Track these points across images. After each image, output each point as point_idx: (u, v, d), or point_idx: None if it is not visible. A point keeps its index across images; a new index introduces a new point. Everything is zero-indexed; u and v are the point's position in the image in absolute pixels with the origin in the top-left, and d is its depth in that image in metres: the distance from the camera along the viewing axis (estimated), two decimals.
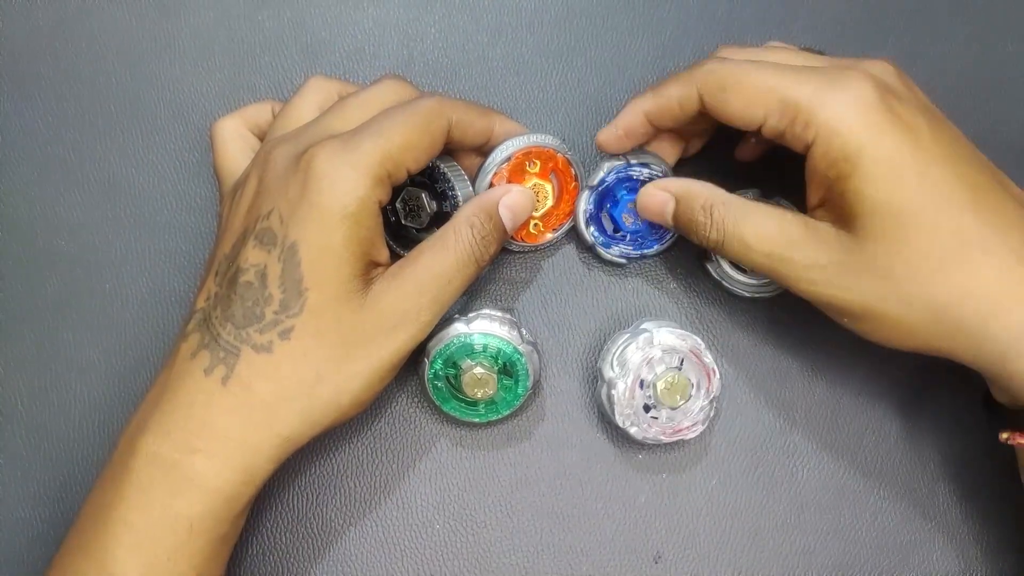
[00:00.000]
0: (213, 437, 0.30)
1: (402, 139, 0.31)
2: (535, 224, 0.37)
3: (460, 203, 0.36)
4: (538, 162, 0.36)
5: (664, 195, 0.35)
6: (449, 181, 0.35)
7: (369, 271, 0.32)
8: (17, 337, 0.38)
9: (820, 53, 0.35)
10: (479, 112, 0.35)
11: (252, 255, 0.31)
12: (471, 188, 0.36)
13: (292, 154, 0.32)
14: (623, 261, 0.38)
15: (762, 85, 0.31)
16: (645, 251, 0.38)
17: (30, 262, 0.38)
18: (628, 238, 0.37)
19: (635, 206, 0.36)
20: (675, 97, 0.33)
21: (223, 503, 0.30)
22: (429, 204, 0.35)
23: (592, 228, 0.37)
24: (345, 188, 0.30)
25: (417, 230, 0.36)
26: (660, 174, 0.36)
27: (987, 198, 0.30)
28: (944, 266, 0.29)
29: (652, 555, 0.36)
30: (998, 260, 0.29)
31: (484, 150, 0.36)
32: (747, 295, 0.38)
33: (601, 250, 0.37)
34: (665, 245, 0.38)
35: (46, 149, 0.39)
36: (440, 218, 0.36)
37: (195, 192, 0.39)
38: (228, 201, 0.34)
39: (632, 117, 0.35)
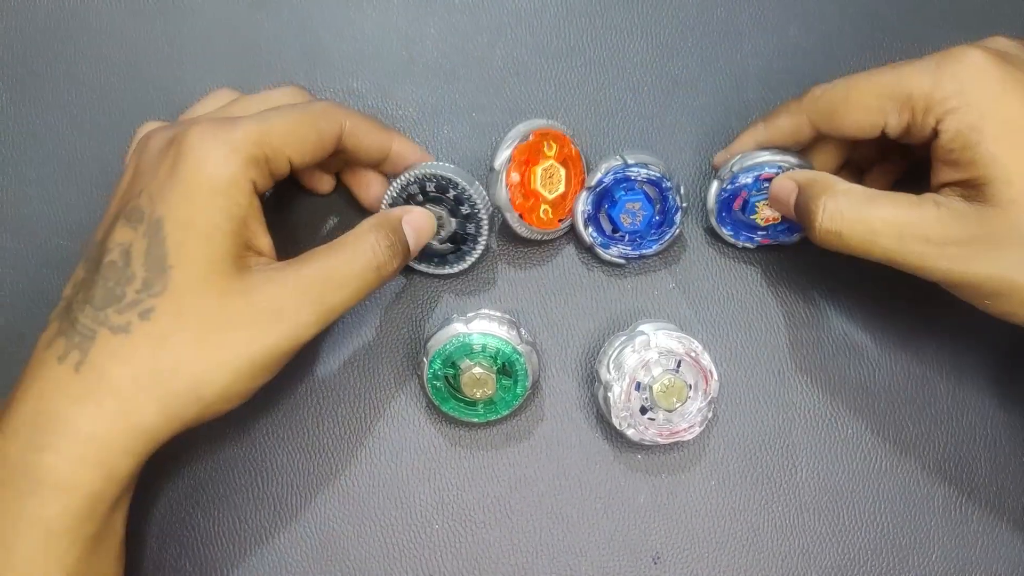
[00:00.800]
0: (63, 432, 0.28)
1: (283, 127, 0.31)
2: (545, 209, 0.37)
3: (485, 225, 0.36)
4: (555, 145, 0.36)
5: (790, 184, 0.34)
6: (475, 203, 0.35)
7: (243, 255, 0.31)
8: (17, 337, 0.38)
9: None
10: (376, 126, 0.35)
11: (119, 234, 0.30)
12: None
13: (167, 136, 0.31)
14: (622, 261, 0.38)
15: (872, 91, 0.31)
16: (644, 251, 0.38)
17: (30, 262, 0.39)
18: (627, 238, 0.37)
19: (634, 206, 0.36)
20: (787, 128, 0.34)
21: (82, 501, 0.28)
22: (449, 222, 0.36)
23: (590, 228, 0.37)
24: (215, 163, 0.29)
25: (440, 250, 0.37)
26: (658, 175, 0.36)
27: None
28: None
29: (651, 555, 0.36)
30: None
31: (384, 170, 0.36)
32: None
33: (600, 251, 0.37)
34: (664, 245, 0.38)
35: (46, 149, 0.40)
36: (462, 238, 0.36)
37: None
38: None
39: (744, 145, 0.36)
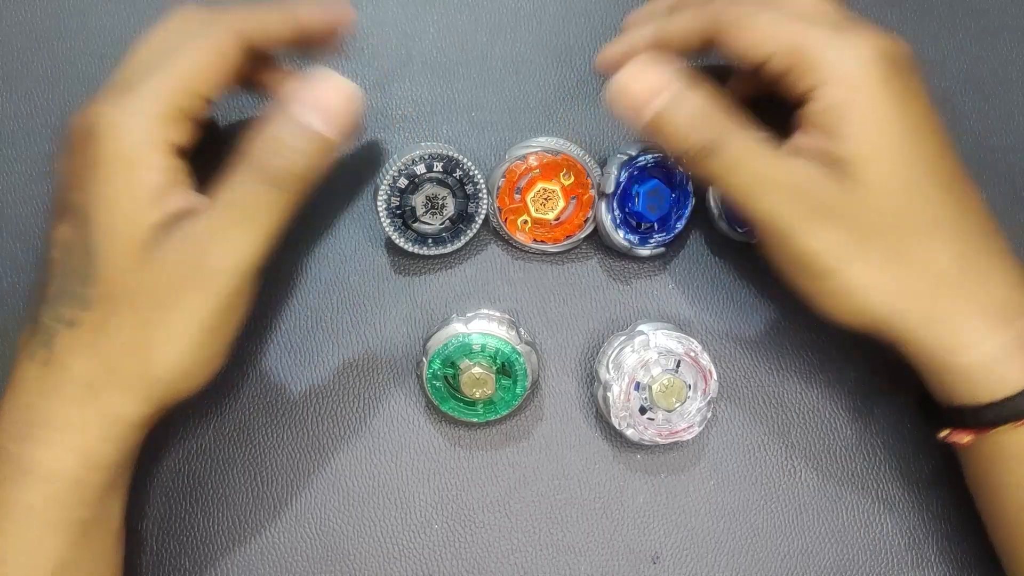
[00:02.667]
0: (40, 422, 0.29)
1: (187, 68, 0.30)
2: (525, 220, 0.37)
3: (485, 205, 0.36)
4: (572, 177, 0.36)
5: (659, 80, 0.30)
6: (477, 182, 0.35)
7: (172, 222, 0.29)
8: (15, 339, 0.38)
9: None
10: (272, 9, 0.33)
11: (59, 231, 0.30)
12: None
13: (78, 122, 0.30)
14: (661, 250, 0.37)
15: (775, 26, 0.31)
16: (677, 231, 0.37)
17: (29, 261, 0.38)
18: (656, 227, 0.37)
19: (654, 193, 0.36)
20: (684, 31, 0.33)
21: (66, 488, 0.29)
22: (450, 202, 0.36)
23: (622, 232, 0.37)
24: (123, 138, 0.28)
25: (437, 230, 0.36)
26: (661, 155, 0.36)
27: (961, 185, 0.31)
28: (914, 237, 0.30)
29: (650, 555, 0.36)
30: (961, 246, 0.30)
31: (300, 44, 0.34)
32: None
33: (639, 250, 0.37)
34: (688, 216, 0.37)
35: (44, 148, 0.39)
36: (464, 218, 0.36)
37: (195, 190, 0.39)
38: None
39: (634, 47, 0.34)
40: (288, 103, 0.29)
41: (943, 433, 0.32)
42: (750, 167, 0.30)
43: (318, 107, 0.29)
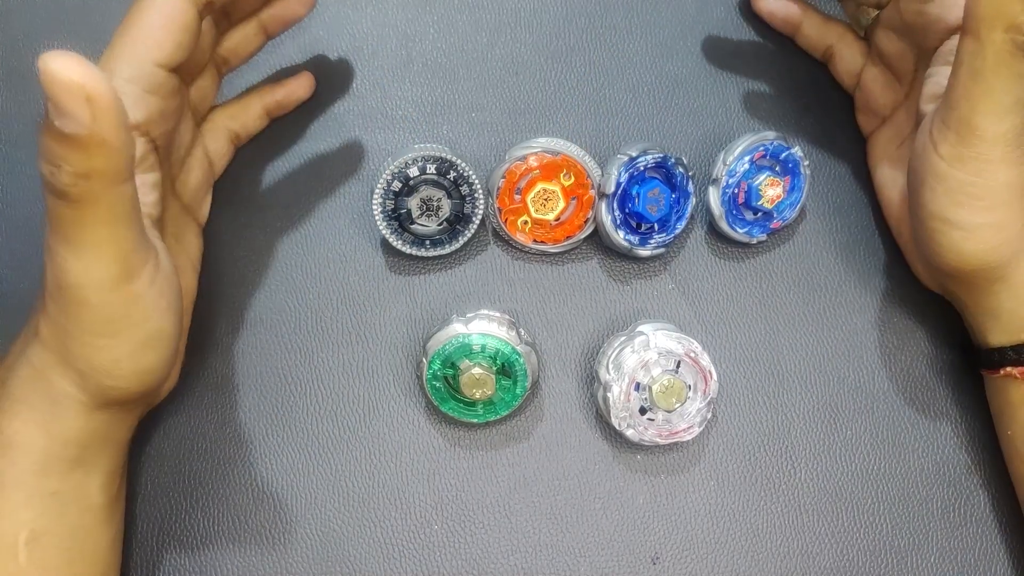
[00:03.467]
0: (7, 396, 0.29)
1: (136, 37, 0.29)
2: (525, 221, 0.37)
3: (481, 205, 0.36)
4: (572, 177, 0.36)
5: None
6: (472, 184, 0.36)
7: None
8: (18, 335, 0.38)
9: None
10: None
11: None
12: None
13: None
14: (662, 250, 0.37)
15: None
16: (677, 231, 0.37)
17: (30, 260, 0.38)
18: (657, 227, 0.37)
19: (654, 193, 0.36)
20: None
21: (33, 457, 0.29)
22: (446, 204, 0.36)
23: (623, 233, 0.37)
24: None
25: (434, 231, 0.37)
26: (660, 155, 0.36)
27: None
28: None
29: (650, 556, 0.36)
30: None
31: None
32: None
33: (639, 250, 0.37)
34: (689, 218, 0.37)
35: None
36: (460, 220, 0.36)
37: None
38: None
39: None
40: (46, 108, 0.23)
41: (1005, 371, 0.34)
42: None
43: (57, 109, 0.23)
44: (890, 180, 0.37)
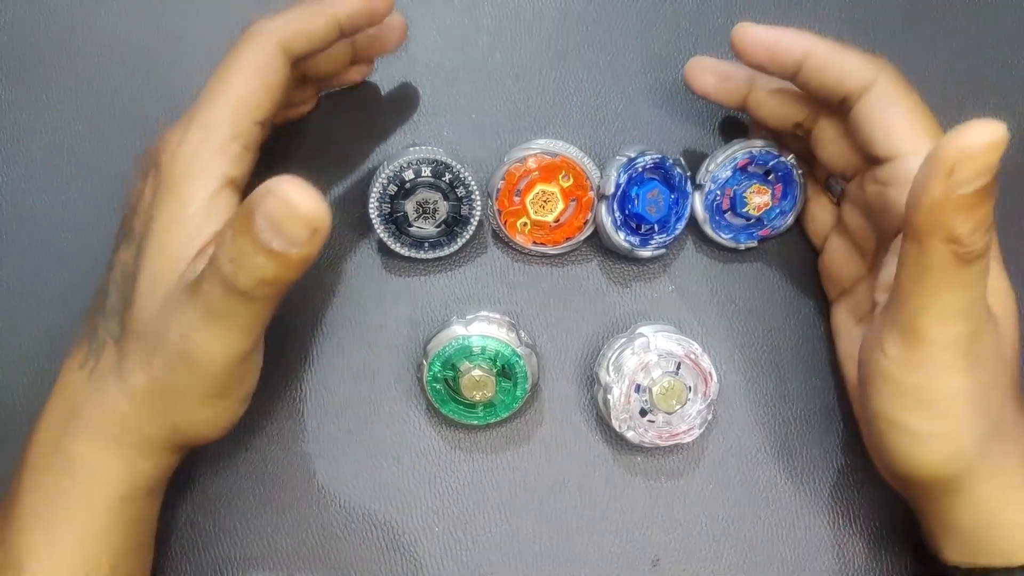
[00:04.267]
0: (84, 425, 0.30)
1: (236, 97, 0.30)
2: (524, 223, 0.37)
3: (479, 207, 0.36)
4: (571, 179, 0.36)
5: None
6: (469, 185, 0.36)
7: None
8: (18, 335, 0.38)
9: None
10: (313, 12, 0.31)
11: (122, 252, 0.31)
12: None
13: (149, 153, 0.31)
14: (663, 251, 0.37)
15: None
16: (677, 231, 0.37)
17: (32, 258, 0.39)
18: (657, 228, 0.37)
19: (653, 194, 0.36)
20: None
21: (117, 486, 0.30)
22: (443, 206, 0.36)
23: (623, 234, 0.37)
24: (176, 168, 0.29)
25: (432, 234, 0.37)
26: (658, 156, 0.36)
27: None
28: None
29: (650, 559, 0.36)
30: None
31: (347, 37, 0.33)
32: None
33: (639, 251, 0.37)
34: (688, 217, 0.37)
35: (48, 145, 0.40)
36: (457, 222, 0.36)
37: None
38: None
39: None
40: (249, 214, 0.24)
41: None
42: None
43: (275, 227, 0.24)
44: (849, 359, 0.35)
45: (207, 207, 0.29)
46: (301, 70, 0.34)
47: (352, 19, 0.32)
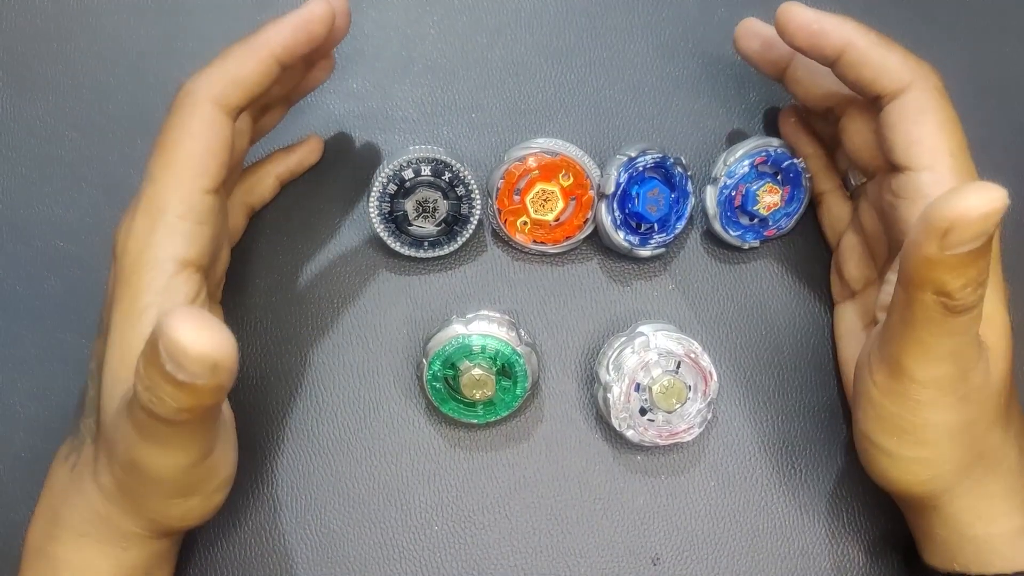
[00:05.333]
0: (63, 526, 0.29)
1: (176, 174, 0.28)
2: (524, 222, 0.37)
3: (478, 206, 0.36)
4: (571, 178, 0.36)
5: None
6: (468, 184, 0.36)
7: None
8: (17, 337, 0.38)
9: None
10: (244, 55, 0.29)
11: (97, 344, 0.30)
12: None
13: (112, 245, 0.29)
14: (662, 250, 0.37)
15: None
16: (677, 231, 0.37)
17: (30, 262, 0.38)
18: (657, 227, 0.37)
19: (653, 193, 0.36)
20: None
21: None
22: (443, 205, 0.36)
23: (623, 233, 0.37)
24: (128, 257, 0.28)
25: (432, 233, 0.37)
26: (659, 155, 0.36)
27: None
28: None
29: (650, 557, 0.36)
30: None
31: (289, 65, 0.30)
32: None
33: (639, 251, 0.37)
34: (688, 217, 0.37)
35: (46, 149, 0.40)
36: (457, 221, 0.36)
37: None
38: None
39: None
40: (154, 345, 0.23)
41: None
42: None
43: (175, 362, 0.22)
44: (850, 359, 0.35)
45: (161, 298, 0.27)
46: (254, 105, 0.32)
47: (290, 50, 0.29)
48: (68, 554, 0.29)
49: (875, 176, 0.34)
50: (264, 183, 0.37)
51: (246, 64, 0.29)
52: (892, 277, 0.31)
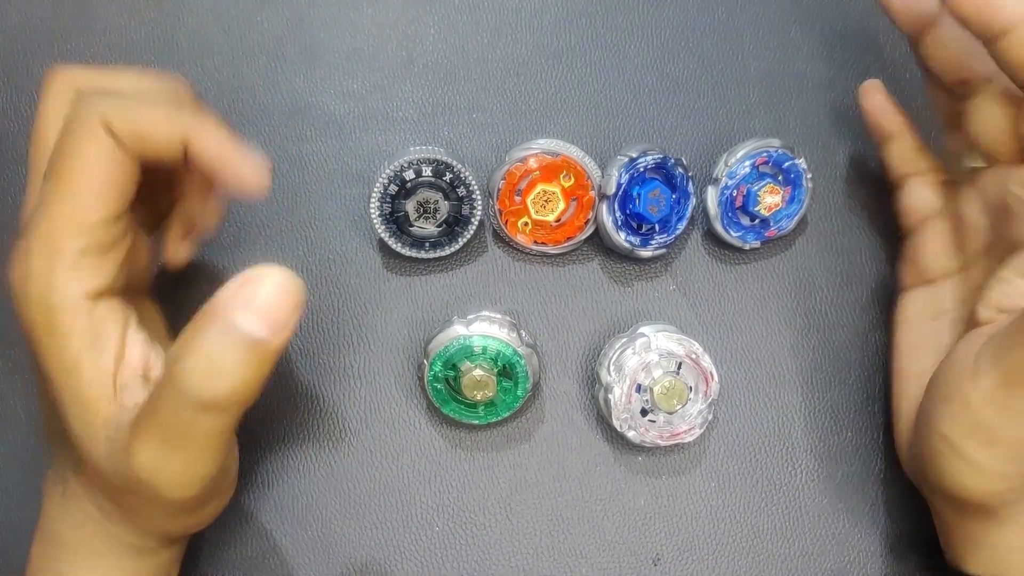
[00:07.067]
0: (65, 547, 0.29)
1: (71, 203, 0.25)
2: (525, 222, 0.37)
3: (479, 207, 0.36)
4: (572, 179, 0.36)
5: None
6: (470, 184, 0.36)
7: (116, 380, 0.26)
8: (17, 338, 0.38)
9: None
10: (158, 112, 0.27)
11: (43, 385, 0.27)
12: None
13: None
14: (663, 251, 0.37)
15: None
16: (678, 231, 0.37)
17: None
18: (658, 228, 0.37)
19: (654, 194, 0.36)
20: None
21: None
22: (443, 205, 0.36)
23: (624, 234, 0.37)
24: (36, 304, 0.25)
25: (433, 234, 0.37)
26: (660, 156, 0.36)
27: None
28: None
29: (651, 558, 0.36)
30: None
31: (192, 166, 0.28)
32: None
33: (640, 251, 0.37)
34: (689, 218, 0.37)
35: None
36: (458, 221, 0.36)
37: None
38: None
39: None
40: (224, 309, 0.23)
41: None
42: None
43: (260, 311, 0.23)
44: (910, 351, 0.34)
45: (89, 341, 0.26)
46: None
47: (207, 168, 0.27)
48: (79, 573, 0.29)
49: (999, 164, 0.31)
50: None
51: (156, 123, 0.26)
52: (1008, 275, 0.29)
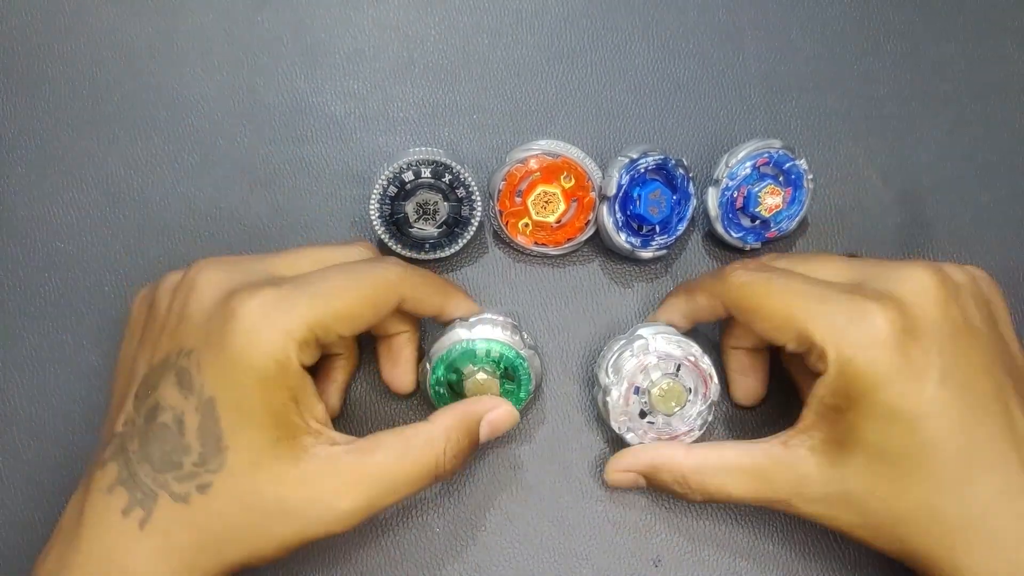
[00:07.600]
0: (128, 573, 0.29)
1: (342, 307, 0.30)
2: (526, 224, 0.37)
3: (479, 208, 0.36)
4: (573, 180, 0.36)
5: (631, 476, 0.35)
6: (469, 186, 0.35)
7: (296, 435, 0.30)
8: (17, 338, 0.38)
9: (855, 255, 0.35)
10: (435, 289, 0.34)
11: (170, 395, 0.30)
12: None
13: (222, 289, 0.30)
14: (664, 251, 0.38)
15: (780, 313, 0.31)
16: (678, 232, 0.37)
17: (29, 263, 0.38)
18: (658, 229, 0.37)
19: (655, 195, 0.36)
20: (706, 307, 0.34)
21: None
22: (443, 208, 0.36)
23: (624, 235, 0.37)
24: (266, 350, 0.29)
25: (433, 235, 0.37)
26: (661, 157, 0.36)
27: (991, 452, 0.29)
28: (917, 513, 0.29)
29: (652, 559, 0.37)
30: (1001, 485, 0.29)
31: (438, 319, 0.35)
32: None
33: (641, 252, 0.37)
34: (690, 219, 0.38)
35: (45, 149, 0.39)
36: (458, 223, 0.36)
37: (194, 194, 0.39)
38: (147, 298, 0.34)
39: (670, 315, 0.36)
40: (476, 424, 0.33)
41: None
42: (745, 497, 0.32)
43: (493, 428, 0.33)
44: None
45: (297, 386, 0.30)
46: None
47: (452, 315, 0.35)
48: None
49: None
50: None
51: (432, 297, 0.35)
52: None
